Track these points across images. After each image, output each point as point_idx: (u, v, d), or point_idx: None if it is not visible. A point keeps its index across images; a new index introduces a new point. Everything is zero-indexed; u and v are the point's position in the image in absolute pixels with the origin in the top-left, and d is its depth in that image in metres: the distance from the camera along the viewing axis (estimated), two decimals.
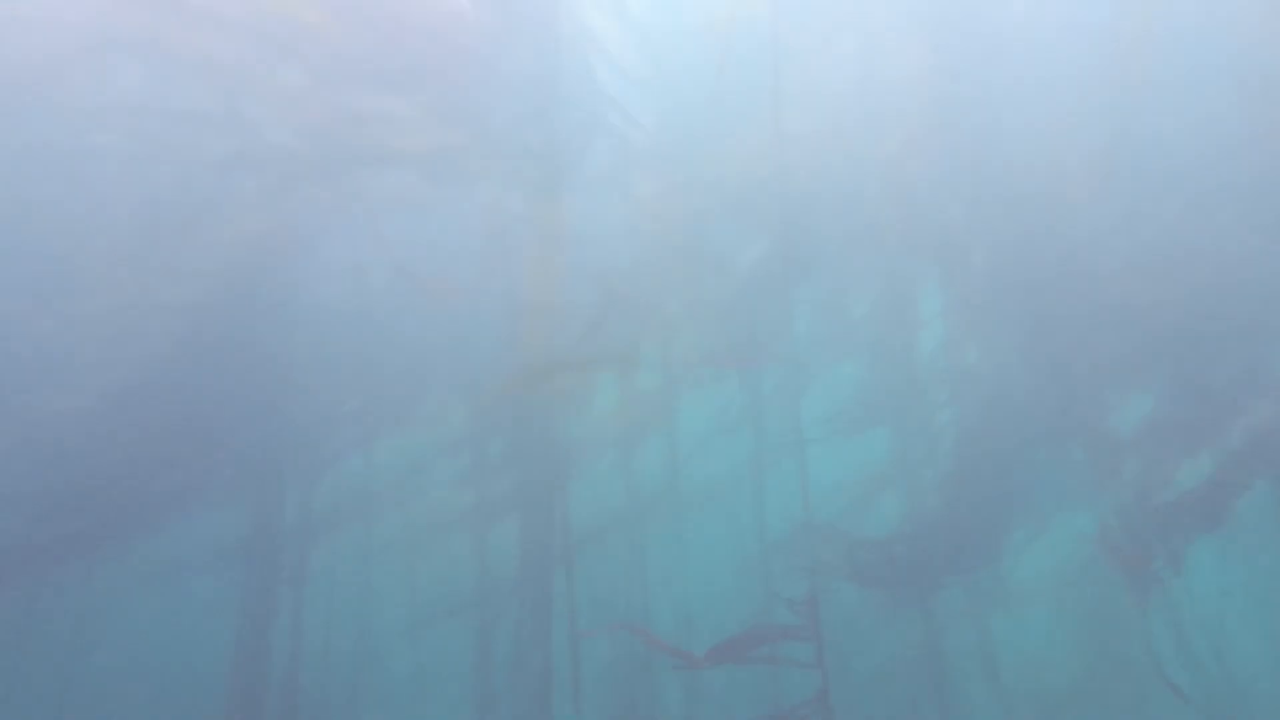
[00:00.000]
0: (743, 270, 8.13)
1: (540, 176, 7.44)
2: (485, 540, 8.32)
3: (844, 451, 8.72)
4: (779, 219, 7.58)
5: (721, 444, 8.75)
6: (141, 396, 6.78)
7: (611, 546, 8.56)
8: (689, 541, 8.89)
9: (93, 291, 6.23)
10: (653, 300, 7.82)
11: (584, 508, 8.68)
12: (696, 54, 6.98)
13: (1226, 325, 6.31)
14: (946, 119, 7.06)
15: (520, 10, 7.10)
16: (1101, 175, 6.66)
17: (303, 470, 7.97)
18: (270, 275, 7.35)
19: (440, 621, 8.45)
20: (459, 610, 8.21)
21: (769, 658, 6.20)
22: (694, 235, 7.69)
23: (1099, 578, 7.79)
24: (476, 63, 6.85)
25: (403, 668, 8.42)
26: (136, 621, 6.83)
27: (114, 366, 6.46)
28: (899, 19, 7.00)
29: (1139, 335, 6.58)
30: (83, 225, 6.04)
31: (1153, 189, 6.50)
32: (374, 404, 8.30)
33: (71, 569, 6.27)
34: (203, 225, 6.41)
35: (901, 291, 7.77)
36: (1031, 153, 7.05)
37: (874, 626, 8.41)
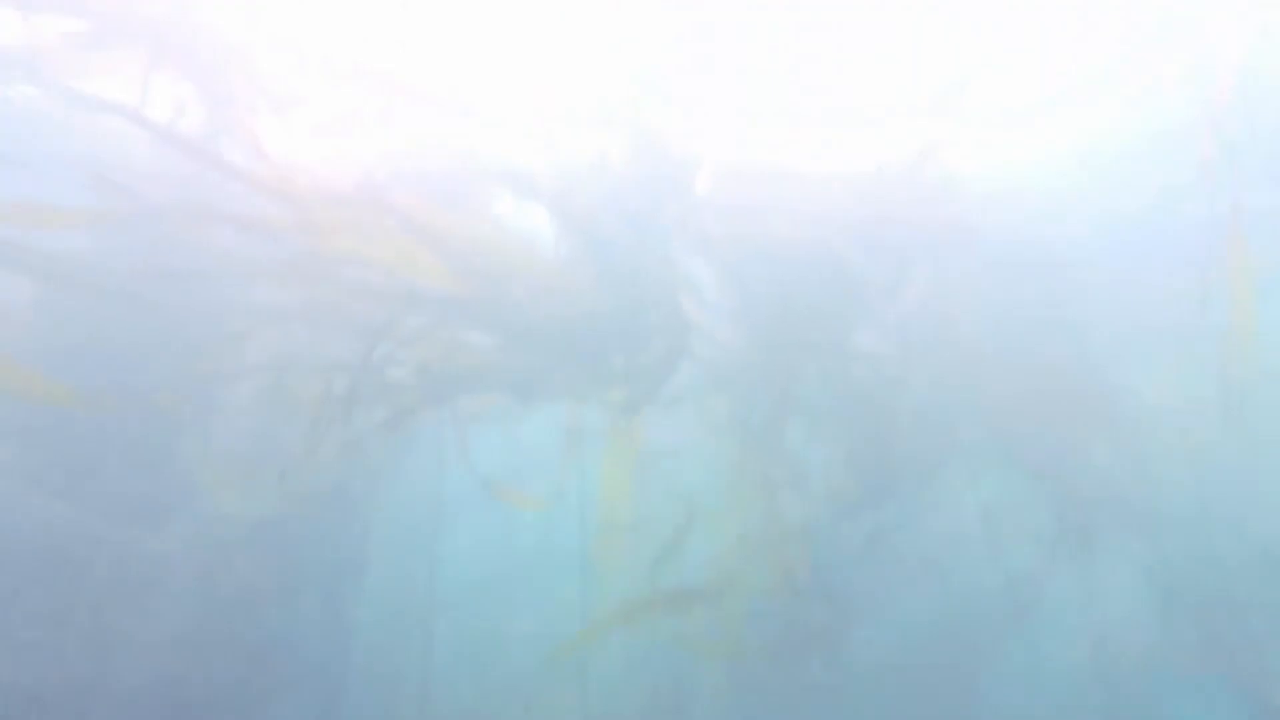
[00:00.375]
0: (820, 489, 8.29)
1: (623, 397, 7.88)
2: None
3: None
4: (855, 437, 7.80)
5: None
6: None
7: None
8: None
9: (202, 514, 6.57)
10: (731, 520, 7.97)
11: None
12: (776, 281, 7.54)
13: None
14: (1025, 347, 7.37)
15: (612, 253, 7.83)
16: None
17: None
18: (358, 494, 7.71)
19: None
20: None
21: None
22: (772, 454, 7.90)
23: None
24: (569, 299, 7.54)
25: None
26: None
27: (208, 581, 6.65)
28: (972, 260, 7.55)
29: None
30: (216, 464, 6.52)
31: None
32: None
33: None
34: (315, 458, 6.94)
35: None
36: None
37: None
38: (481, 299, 7.56)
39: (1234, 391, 5.79)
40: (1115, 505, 6.70)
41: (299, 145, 6.47)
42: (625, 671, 8.33)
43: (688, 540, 7.98)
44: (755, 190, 8.41)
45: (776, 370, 8.33)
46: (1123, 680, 7.14)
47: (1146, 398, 6.66)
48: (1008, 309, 7.62)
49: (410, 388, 7.62)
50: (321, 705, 7.78)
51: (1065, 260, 7.51)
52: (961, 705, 7.61)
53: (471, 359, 7.83)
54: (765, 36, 8.24)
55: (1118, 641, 7.13)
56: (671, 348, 8.38)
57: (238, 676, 7.18)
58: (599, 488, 8.61)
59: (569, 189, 8.30)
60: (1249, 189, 6.12)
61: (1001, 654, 7.31)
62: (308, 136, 6.88)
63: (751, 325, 8.51)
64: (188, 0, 6.12)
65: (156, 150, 5.76)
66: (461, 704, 8.10)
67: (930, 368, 8.24)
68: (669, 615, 7.60)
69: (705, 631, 8.03)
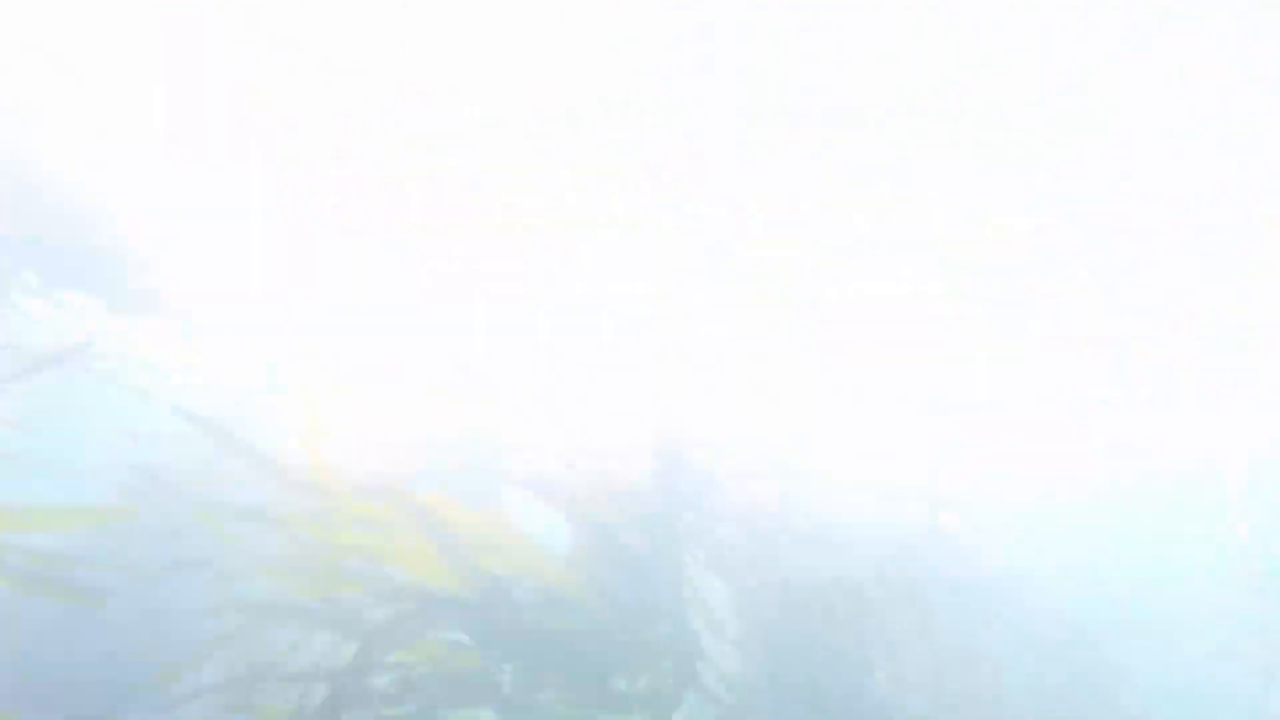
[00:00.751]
0: None
1: None
2: None
3: None
4: None
5: None
6: None
7: None
8: None
9: None
10: None
11: None
12: (791, 608, 7.27)
13: None
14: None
15: (624, 559, 7.72)
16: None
17: None
18: None
19: None
20: None
21: None
22: None
23: None
24: (574, 607, 7.28)
25: None
26: None
27: None
28: (998, 613, 7.26)
29: None
30: None
31: None
32: None
33: None
34: None
35: None
36: None
37: None
38: (482, 602, 7.26)
39: None
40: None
41: (323, 434, 6.73)
42: None
43: None
44: (772, 512, 8.40)
45: (787, 713, 7.56)
46: None
47: None
48: (1041, 676, 7.03)
49: (392, 698, 7.02)
50: None
51: (1098, 626, 7.09)
52: None
53: (461, 666, 7.31)
54: (765, 36, 8.12)
55: None
56: (678, 674, 7.76)
57: None
58: None
59: (588, 492, 8.37)
60: None
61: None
62: (334, 426, 7.19)
63: (763, 657, 7.94)
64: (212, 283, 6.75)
65: (176, 438, 6.01)
66: None
67: None
68: None
69: None
